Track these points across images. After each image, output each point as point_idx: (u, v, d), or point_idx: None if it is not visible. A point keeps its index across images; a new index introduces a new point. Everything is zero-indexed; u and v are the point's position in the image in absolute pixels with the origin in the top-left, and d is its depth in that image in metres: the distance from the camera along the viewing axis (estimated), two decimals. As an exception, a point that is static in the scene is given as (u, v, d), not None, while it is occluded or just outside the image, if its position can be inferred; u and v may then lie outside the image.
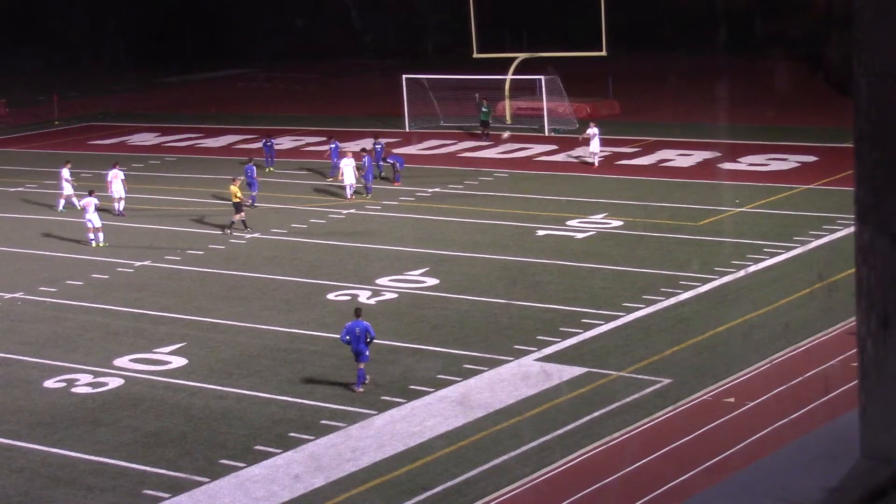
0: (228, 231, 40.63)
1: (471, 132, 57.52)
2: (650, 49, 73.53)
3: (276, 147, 52.67)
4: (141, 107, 74.38)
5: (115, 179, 44.44)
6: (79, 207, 42.36)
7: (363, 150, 47.92)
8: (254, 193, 44.07)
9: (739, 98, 56.64)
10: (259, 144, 53.27)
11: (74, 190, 44.87)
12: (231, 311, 32.33)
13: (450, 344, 28.82)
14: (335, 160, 47.76)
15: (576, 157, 50.53)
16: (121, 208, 44.21)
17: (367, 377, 26.22)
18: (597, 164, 48.82)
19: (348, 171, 44.24)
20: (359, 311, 27.22)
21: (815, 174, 45.39)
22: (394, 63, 77.74)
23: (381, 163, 47.77)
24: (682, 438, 22.98)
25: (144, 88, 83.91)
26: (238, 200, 40.53)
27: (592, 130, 48.84)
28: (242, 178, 43.38)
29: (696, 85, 58.97)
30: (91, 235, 39.98)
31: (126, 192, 44.61)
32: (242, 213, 40.66)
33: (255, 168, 45.52)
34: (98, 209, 40.15)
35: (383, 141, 49.99)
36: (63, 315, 32.82)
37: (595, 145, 48.65)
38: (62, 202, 45.27)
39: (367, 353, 26.01)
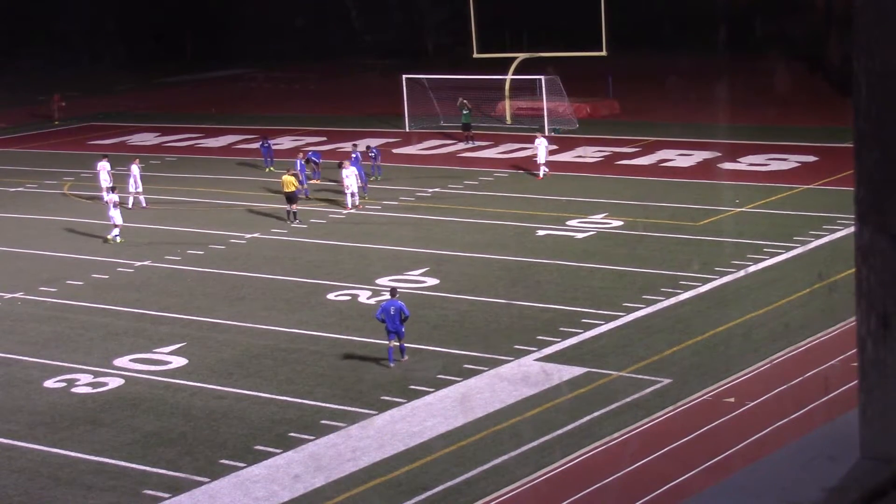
0: (296, 220, 41.47)
1: (448, 133, 57.47)
2: (650, 49, 73.49)
3: (274, 147, 52.87)
4: (141, 107, 74.40)
5: (132, 175, 44.91)
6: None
7: (368, 147, 49.15)
8: (305, 186, 44.84)
9: (739, 98, 56.60)
10: (257, 145, 53.43)
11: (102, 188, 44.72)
12: (231, 311, 32.34)
13: (450, 344, 28.82)
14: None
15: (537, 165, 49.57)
16: (131, 204, 44.50)
17: (405, 356, 27.20)
18: (542, 175, 46.93)
19: (351, 179, 43.36)
20: (394, 290, 28.65)
21: (815, 174, 45.37)
22: (394, 63, 77.69)
23: (374, 167, 47.80)
24: (682, 438, 22.98)
25: (144, 88, 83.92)
26: (292, 190, 41.65)
27: (539, 141, 47.66)
28: (296, 171, 44.70)
29: (696, 85, 58.94)
30: (116, 232, 40.13)
31: (138, 189, 44.90)
32: (296, 205, 41.77)
33: (303, 163, 46.18)
34: (115, 206, 40.21)
35: (375, 146, 49.97)
36: (63, 315, 32.83)
37: (542, 156, 47.17)
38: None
39: (403, 330, 27.05)
